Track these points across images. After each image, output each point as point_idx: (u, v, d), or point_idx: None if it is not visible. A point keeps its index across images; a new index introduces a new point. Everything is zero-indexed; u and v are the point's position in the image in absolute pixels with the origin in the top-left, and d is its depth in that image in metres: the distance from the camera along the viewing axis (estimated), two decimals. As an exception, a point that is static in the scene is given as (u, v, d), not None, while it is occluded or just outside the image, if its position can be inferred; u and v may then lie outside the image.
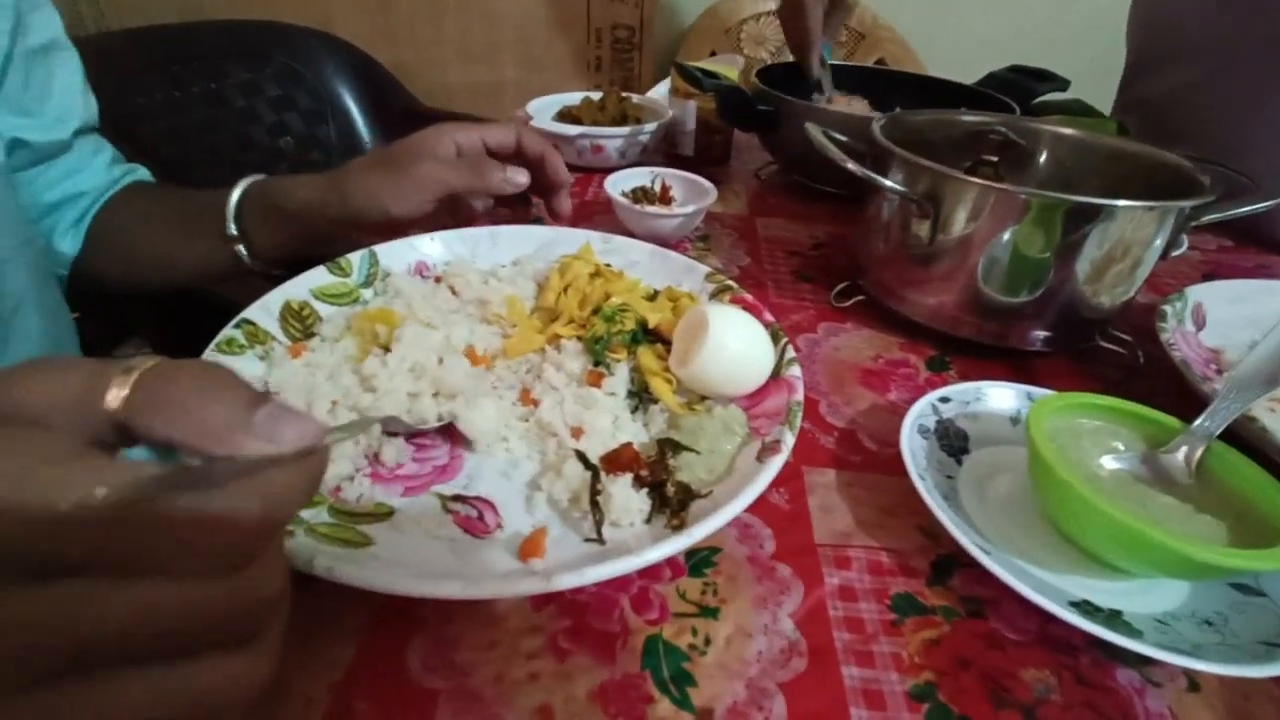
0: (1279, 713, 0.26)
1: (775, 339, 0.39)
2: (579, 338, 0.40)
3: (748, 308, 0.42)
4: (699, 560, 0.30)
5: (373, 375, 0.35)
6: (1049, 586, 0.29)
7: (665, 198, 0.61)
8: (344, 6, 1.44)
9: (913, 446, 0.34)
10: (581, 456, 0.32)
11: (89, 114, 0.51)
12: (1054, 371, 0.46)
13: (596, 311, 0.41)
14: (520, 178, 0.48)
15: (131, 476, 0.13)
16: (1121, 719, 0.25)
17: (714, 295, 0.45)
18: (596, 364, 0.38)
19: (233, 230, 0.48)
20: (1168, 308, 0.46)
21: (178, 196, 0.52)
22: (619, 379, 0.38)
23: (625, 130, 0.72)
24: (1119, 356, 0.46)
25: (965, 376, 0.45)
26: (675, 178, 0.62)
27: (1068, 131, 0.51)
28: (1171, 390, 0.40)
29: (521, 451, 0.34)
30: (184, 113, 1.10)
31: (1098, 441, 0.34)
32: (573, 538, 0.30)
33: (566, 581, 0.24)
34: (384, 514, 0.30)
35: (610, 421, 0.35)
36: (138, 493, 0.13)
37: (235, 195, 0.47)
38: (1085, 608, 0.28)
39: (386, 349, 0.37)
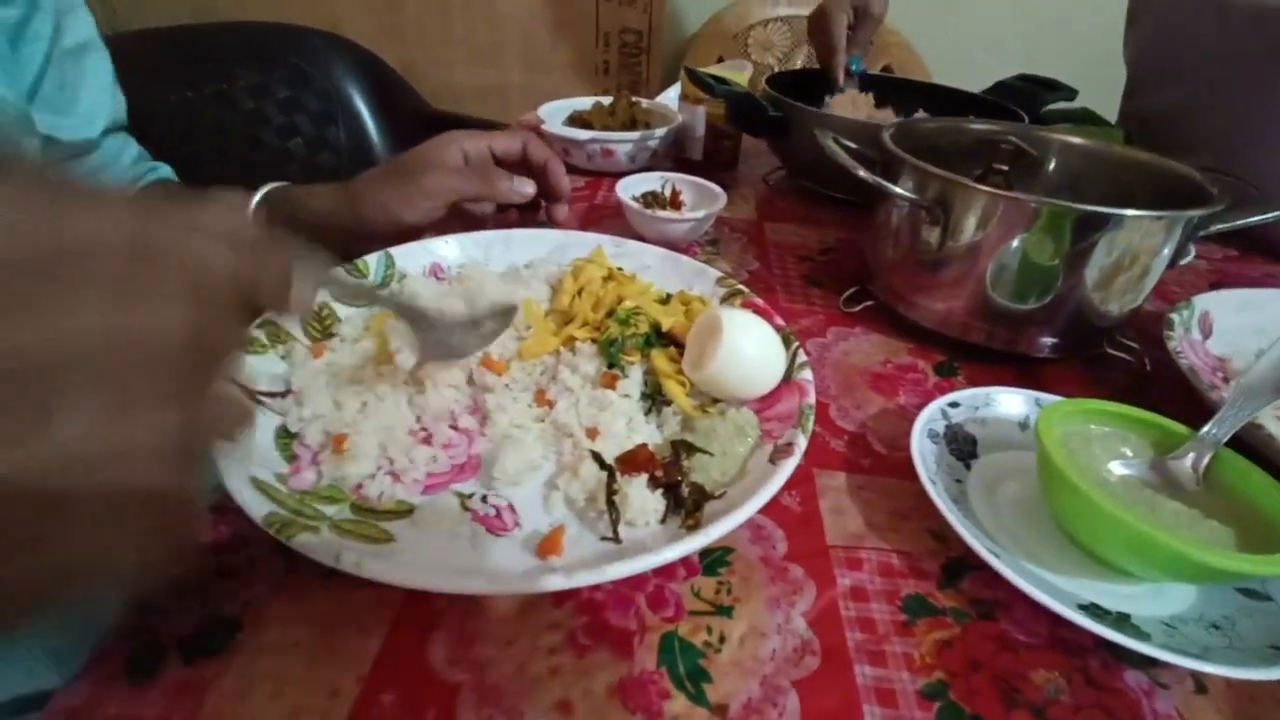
0: (1285, 716, 0.27)
1: (786, 343, 0.39)
2: (593, 340, 0.41)
3: (759, 312, 0.43)
4: (713, 560, 0.31)
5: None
6: (1058, 589, 0.29)
7: (675, 203, 0.61)
8: (352, 7, 1.45)
9: (923, 451, 0.35)
10: (597, 457, 0.32)
11: (118, 113, 0.52)
12: (1062, 378, 0.46)
13: (610, 314, 0.41)
14: (527, 188, 0.49)
15: None
16: (1130, 720, 0.26)
17: (725, 299, 0.46)
18: (611, 366, 0.39)
19: None
20: (1175, 316, 0.46)
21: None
22: (633, 381, 0.38)
23: (635, 135, 0.72)
24: (1127, 363, 0.46)
25: (973, 382, 0.45)
26: (685, 183, 0.63)
27: (1077, 140, 0.52)
28: (1179, 397, 0.40)
29: (538, 452, 0.35)
30: (195, 114, 1.11)
31: (1107, 447, 0.34)
32: (589, 537, 0.30)
33: (588, 578, 0.25)
34: (404, 511, 0.31)
35: (625, 423, 0.36)
36: None
37: (254, 201, 0.48)
38: (1094, 610, 0.28)
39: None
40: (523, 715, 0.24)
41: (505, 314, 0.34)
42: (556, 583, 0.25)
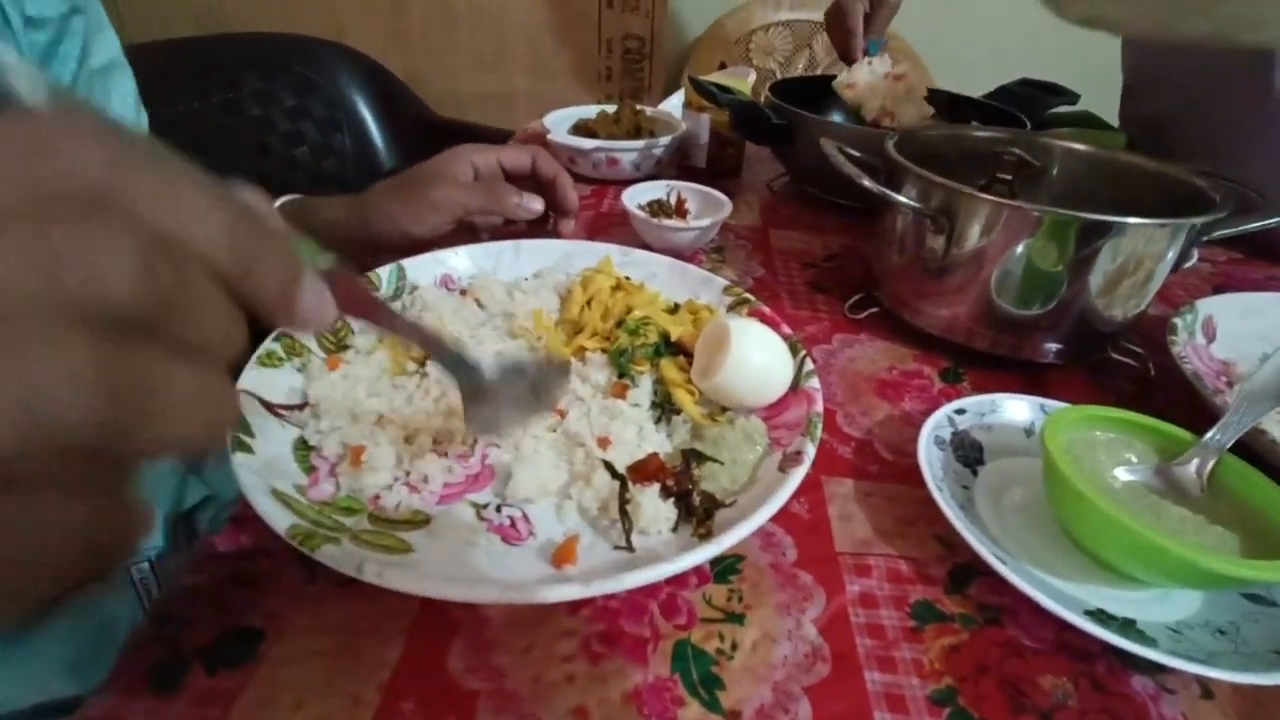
0: (1291, 719, 0.27)
1: (793, 351, 0.40)
2: (603, 350, 0.41)
3: (765, 320, 0.43)
4: (724, 567, 0.32)
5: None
6: (1065, 595, 0.30)
7: (681, 211, 0.62)
8: (357, 15, 1.46)
9: (930, 458, 0.35)
10: (609, 466, 0.33)
11: (140, 130, 0.53)
12: (1067, 383, 0.47)
13: (620, 324, 0.42)
14: (535, 204, 0.50)
15: None
16: (1137, 724, 0.26)
17: (732, 308, 0.46)
18: (621, 376, 0.39)
19: None
20: (1178, 320, 0.46)
21: None
22: (643, 390, 0.39)
23: (640, 144, 0.73)
24: (1131, 368, 0.47)
25: (978, 388, 0.46)
26: (690, 191, 0.63)
27: (1080, 147, 0.52)
28: (1183, 402, 0.41)
29: (550, 460, 0.35)
30: (204, 123, 1.13)
31: (1111, 453, 0.35)
32: (603, 545, 0.31)
33: (604, 587, 0.25)
34: (421, 521, 0.31)
35: (635, 432, 0.36)
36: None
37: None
38: (1100, 616, 0.29)
39: (420, 363, 0.38)
40: (540, 722, 0.25)
41: (562, 370, 0.32)
42: (574, 592, 0.25)
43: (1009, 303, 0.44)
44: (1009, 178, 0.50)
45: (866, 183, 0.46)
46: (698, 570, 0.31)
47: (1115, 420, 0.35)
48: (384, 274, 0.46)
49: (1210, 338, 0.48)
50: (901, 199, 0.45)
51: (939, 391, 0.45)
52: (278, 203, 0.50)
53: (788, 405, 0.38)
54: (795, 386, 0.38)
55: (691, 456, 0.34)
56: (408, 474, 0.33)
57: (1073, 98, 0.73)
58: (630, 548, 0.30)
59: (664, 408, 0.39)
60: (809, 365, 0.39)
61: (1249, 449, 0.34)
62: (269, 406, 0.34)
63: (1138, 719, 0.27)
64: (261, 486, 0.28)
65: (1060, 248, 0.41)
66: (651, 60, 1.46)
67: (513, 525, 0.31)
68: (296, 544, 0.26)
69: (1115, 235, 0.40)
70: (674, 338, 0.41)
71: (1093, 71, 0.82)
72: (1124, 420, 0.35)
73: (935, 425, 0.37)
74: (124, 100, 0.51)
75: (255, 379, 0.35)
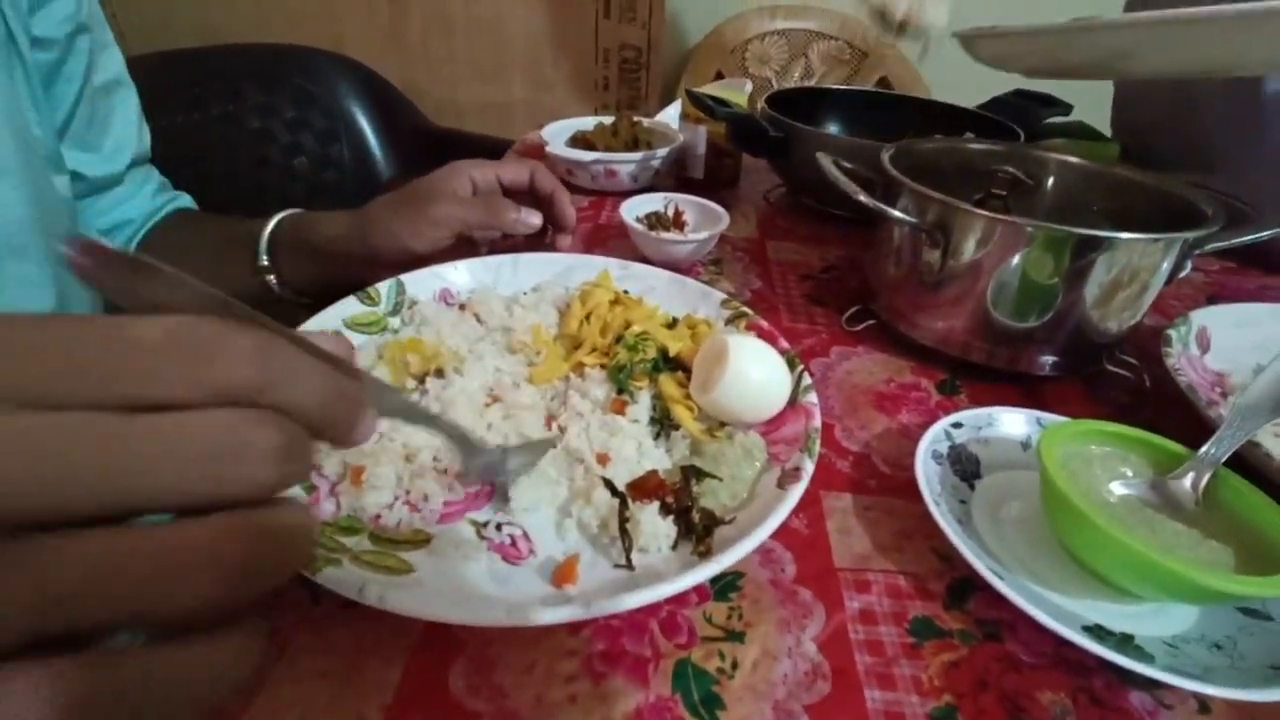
0: (1287, 734, 0.27)
1: (791, 366, 0.40)
2: (602, 366, 0.42)
3: (763, 335, 0.44)
4: (724, 585, 0.32)
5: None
6: (1062, 610, 0.30)
7: (679, 223, 0.62)
8: (356, 26, 1.47)
9: (927, 472, 0.36)
10: (609, 484, 0.33)
11: (142, 147, 0.53)
12: (1063, 396, 0.47)
13: (619, 340, 0.42)
14: (534, 219, 0.50)
15: None
16: (1135, 740, 0.27)
17: (729, 321, 0.47)
18: (620, 392, 0.40)
19: (264, 261, 0.49)
20: (1173, 332, 0.47)
21: (215, 225, 0.55)
22: (642, 406, 0.39)
23: (638, 155, 0.73)
24: (1126, 380, 0.47)
25: (975, 400, 0.46)
26: (687, 203, 0.64)
27: (1074, 160, 0.53)
28: (1179, 413, 0.41)
29: (550, 477, 0.35)
30: (204, 135, 1.13)
31: (1107, 467, 0.35)
32: (603, 563, 0.31)
33: (605, 608, 0.26)
34: (422, 540, 0.31)
35: (635, 448, 0.37)
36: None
37: (269, 227, 0.49)
38: (1098, 632, 0.29)
39: (419, 379, 0.38)
40: (542, 743, 0.25)
41: (539, 448, 0.35)
42: (575, 613, 0.25)
43: (1005, 316, 0.44)
44: (1004, 194, 0.51)
45: (862, 198, 0.46)
46: (698, 588, 0.31)
47: (1111, 434, 0.35)
48: (383, 289, 0.46)
49: (1204, 349, 0.49)
50: (897, 214, 0.45)
51: (936, 404, 0.46)
52: (278, 217, 0.51)
53: (786, 420, 0.38)
54: (793, 401, 0.39)
55: (691, 473, 0.34)
56: (408, 493, 0.33)
57: (1065, 109, 0.74)
58: (630, 566, 0.30)
59: (663, 423, 0.39)
60: (807, 380, 0.40)
61: (1244, 462, 0.35)
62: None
63: (1136, 735, 0.27)
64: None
65: (1055, 262, 0.41)
66: (648, 70, 1.47)
67: (513, 544, 0.32)
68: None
69: (1109, 250, 0.40)
70: (673, 353, 0.42)
71: (1085, 84, 0.83)
72: (1119, 434, 0.35)
73: (933, 439, 0.38)
74: (127, 118, 0.52)
75: None
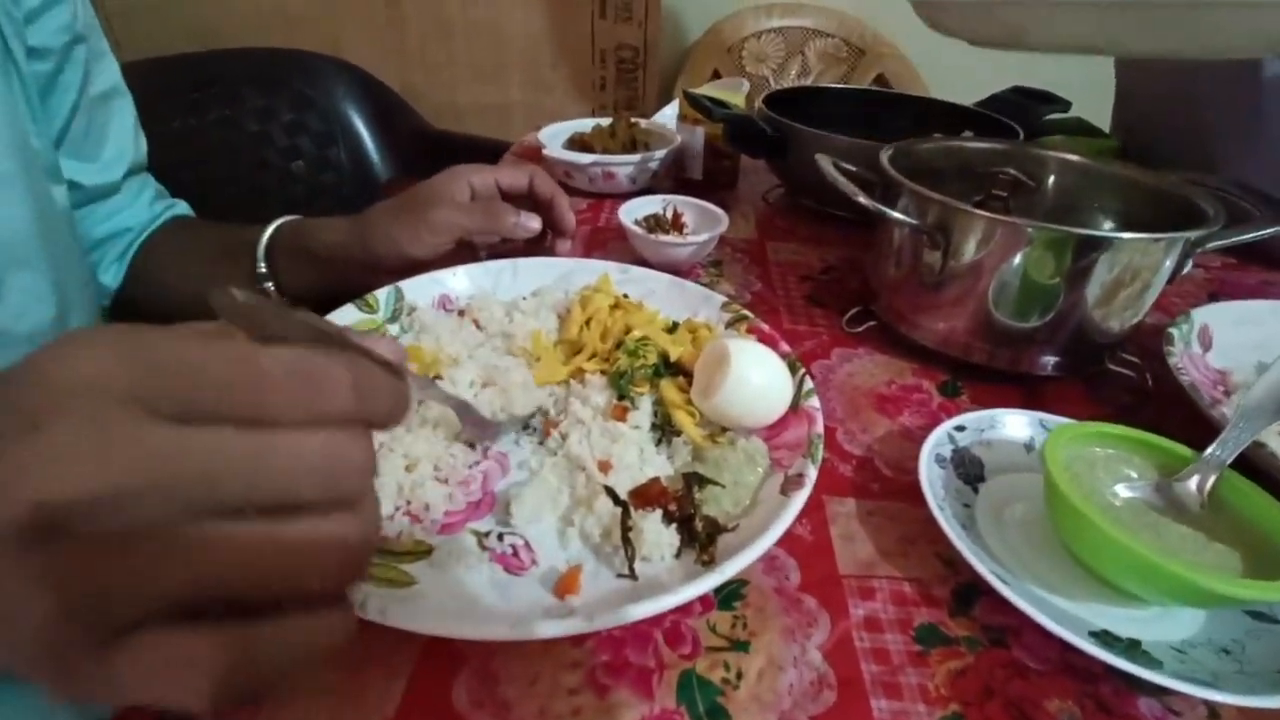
0: (1297, 739, 0.27)
1: (793, 370, 0.40)
2: (603, 372, 0.41)
3: (764, 338, 0.43)
4: (728, 593, 0.31)
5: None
6: (1068, 616, 0.30)
7: (678, 225, 0.62)
8: (353, 29, 1.47)
9: (931, 476, 0.35)
10: (611, 492, 0.33)
11: (139, 156, 0.53)
12: (1065, 396, 0.47)
13: (619, 345, 0.42)
14: (533, 223, 0.50)
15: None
16: (1143, 747, 0.26)
17: (730, 325, 0.46)
18: (621, 398, 0.39)
19: (262, 268, 0.49)
20: (1174, 331, 0.47)
21: (213, 232, 0.55)
22: (643, 412, 0.39)
23: (636, 157, 0.73)
24: (1129, 379, 0.47)
25: (977, 401, 0.46)
26: (686, 205, 0.64)
27: (1074, 159, 0.53)
28: (1182, 413, 0.41)
29: (552, 485, 0.35)
30: (202, 139, 1.13)
31: (1111, 470, 0.35)
32: (606, 573, 0.31)
33: (608, 620, 0.25)
34: (423, 551, 0.31)
35: (636, 454, 0.36)
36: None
37: (267, 234, 0.49)
38: (1105, 638, 0.29)
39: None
40: (546, 756, 0.25)
41: (519, 420, 0.39)
42: (578, 626, 0.25)
43: (1006, 316, 0.44)
44: (1004, 194, 0.51)
45: (862, 199, 0.46)
46: (702, 597, 0.31)
47: (1115, 436, 0.35)
48: (381, 296, 0.46)
49: (1206, 347, 0.49)
50: (897, 215, 0.45)
51: (938, 406, 0.46)
52: (276, 223, 0.50)
53: (788, 425, 0.38)
54: (795, 406, 0.38)
55: (693, 480, 0.34)
56: (409, 503, 0.33)
57: (1064, 105, 0.73)
58: (633, 576, 0.30)
59: (664, 429, 0.39)
60: (809, 384, 0.39)
61: (1250, 463, 0.34)
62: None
63: (1144, 741, 0.27)
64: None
65: (1056, 263, 0.41)
66: (645, 70, 1.47)
67: (515, 554, 0.31)
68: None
69: (1110, 250, 0.40)
70: (673, 358, 0.41)
71: (1085, 80, 0.82)
72: (1123, 436, 0.35)
73: (936, 443, 0.37)
74: (124, 126, 0.51)
75: None
